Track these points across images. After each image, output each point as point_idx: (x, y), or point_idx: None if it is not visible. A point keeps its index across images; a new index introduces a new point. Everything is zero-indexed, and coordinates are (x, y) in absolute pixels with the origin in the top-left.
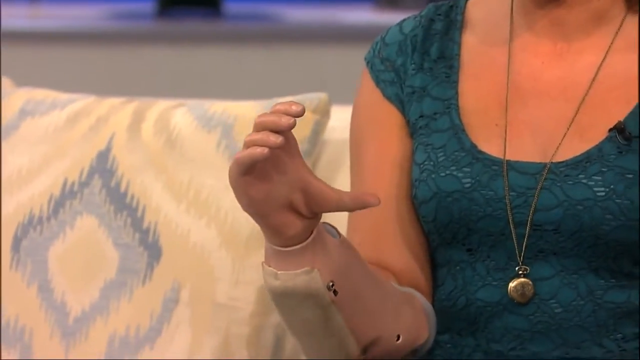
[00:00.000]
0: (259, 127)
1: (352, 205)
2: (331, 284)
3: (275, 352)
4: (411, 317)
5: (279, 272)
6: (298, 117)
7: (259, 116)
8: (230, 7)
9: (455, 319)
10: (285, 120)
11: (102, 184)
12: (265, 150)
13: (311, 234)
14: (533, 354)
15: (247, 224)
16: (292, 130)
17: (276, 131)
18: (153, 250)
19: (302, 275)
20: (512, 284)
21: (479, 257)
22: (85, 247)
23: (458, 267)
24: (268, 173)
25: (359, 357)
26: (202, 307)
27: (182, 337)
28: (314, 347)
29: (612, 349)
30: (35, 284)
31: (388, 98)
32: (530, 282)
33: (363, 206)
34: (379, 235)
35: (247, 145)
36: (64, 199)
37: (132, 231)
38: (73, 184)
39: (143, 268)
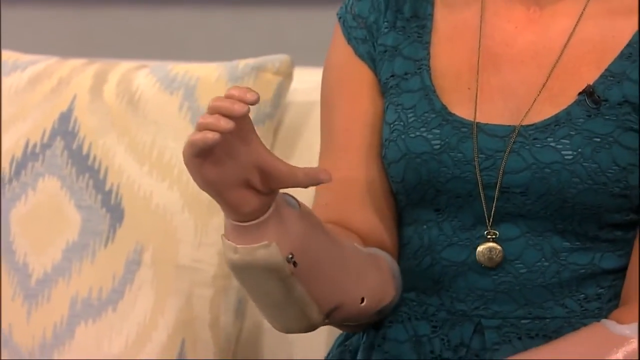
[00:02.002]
0: (213, 111)
1: (305, 181)
2: (290, 256)
3: (238, 313)
4: (376, 279)
5: (238, 246)
6: (252, 104)
7: (213, 99)
8: None
9: (421, 278)
10: (239, 107)
11: (64, 145)
12: (217, 135)
13: (269, 208)
14: (496, 314)
15: None
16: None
17: (229, 116)
18: (115, 212)
19: (261, 249)
20: (480, 248)
21: (446, 217)
22: (47, 209)
23: (425, 227)
24: (220, 156)
25: (322, 323)
26: (164, 269)
27: (145, 299)
28: (276, 315)
29: (574, 308)
30: None
31: (360, 56)
32: (499, 247)
33: (316, 183)
34: (346, 196)
35: (200, 127)
36: (26, 161)
37: (95, 193)
38: (35, 145)
39: (105, 230)
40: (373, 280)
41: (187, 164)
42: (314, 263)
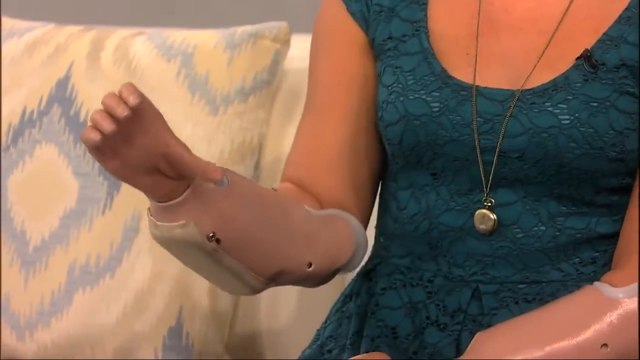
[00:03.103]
0: (103, 107)
1: (203, 175)
2: (211, 234)
3: None
4: (328, 242)
5: (157, 223)
6: (134, 109)
7: (107, 95)
8: None
9: (417, 243)
10: (121, 111)
11: (62, 112)
12: (98, 136)
13: (185, 190)
14: (494, 279)
15: (207, 153)
16: (253, 58)
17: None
18: (113, 180)
19: (178, 229)
20: (476, 215)
21: (443, 182)
22: (44, 176)
23: (422, 191)
24: (119, 147)
25: (267, 286)
26: None
27: (143, 266)
28: (215, 282)
29: (570, 272)
30: None
31: (352, 14)
32: (493, 216)
33: (209, 179)
34: (315, 156)
35: (90, 121)
36: (23, 128)
37: (92, 160)
38: (32, 112)
39: (103, 197)
40: (324, 243)
41: (92, 154)
42: (245, 236)
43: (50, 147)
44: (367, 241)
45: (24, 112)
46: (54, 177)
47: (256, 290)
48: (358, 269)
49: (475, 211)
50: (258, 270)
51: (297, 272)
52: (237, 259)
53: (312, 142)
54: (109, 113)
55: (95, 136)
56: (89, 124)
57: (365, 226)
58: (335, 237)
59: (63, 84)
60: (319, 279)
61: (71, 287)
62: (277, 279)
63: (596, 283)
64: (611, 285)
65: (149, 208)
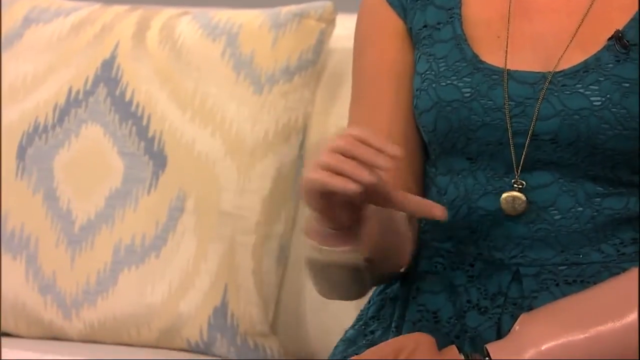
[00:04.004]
0: (349, 153)
1: (416, 210)
2: (369, 256)
3: (279, 261)
4: (411, 244)
5: (322, 247)
6: (395, 158)
7: (352, 136)
8: None
9: (458, 228)
10: (383, 162)
11: (107, 92)
12: (359, 188)
13: (359, 217)
14: (534, 261)
15: (251, 133)
16: (299, 38)
17: (371, 166)
18: (158, 159)
19: (346, 254)
20: (503, 196)
21: (479, 166)
22: (90, 155)
23: (460, 176)
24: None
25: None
26: (207, 215)
27: (188, 245)
28: (335, 295)
29: (611, 253)
30: (40, 193)
31: (390, 3)
32: (523, 196)
33: (427, 216)
34: None
35: (336, 169)
36: (69, 108)
37: (137, 140)
38: (78, 92)
39: (148, 177)
40: (410, 245)
41: (308, 193)
42: (383, 254)
43: (96, 127)
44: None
45: (69, 91)
46: (99, 157)
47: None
48: None
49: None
50: (377, 280)
51: (394, 276)
52: (371, 273)
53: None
54: (365, 161)
55: (355, 187)
56: (329, 169)
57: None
58: (413, 238)
59: (109, 63)
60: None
61: (117, 267)
62: (379, 284)
63: None
64: None
65: (304, 231)
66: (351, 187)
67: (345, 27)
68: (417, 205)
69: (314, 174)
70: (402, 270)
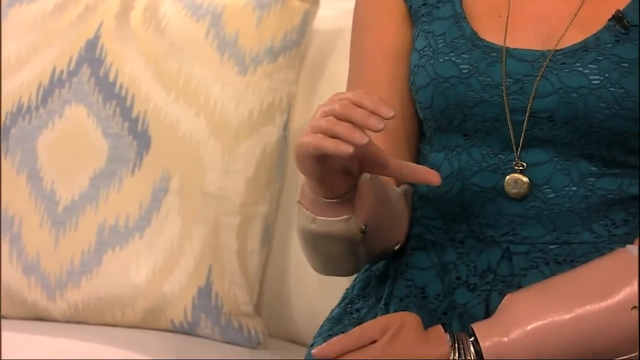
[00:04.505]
0: (342, 115)
1: (411, 176)
2: (364, 227)
3: (264, 241)
4: (407, 220)
5: (317, 217)
6: (388, 119)
7: (346, 99)
8: None
9: (450, 204)
10: (375, 123)
11: (91, 72)
12: (350, 149)
13: (356, 187)
14: (525, 239)
15: (235, 114)
16: (283, 18)
17: (363, 128)
18: (142, 140)
19: (341, 223)
20: (507, 179)
21: (474, 142)
22: (74, 136)
23: (454, 152)
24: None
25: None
26: (191, 196)
27: (172, 226)
28: (329, 268)
29: (602, 234)
30: (24, 173)
31: None
32: (526, 179)
33: (422, 182)
34: None
35: (329, 132)
36: (53, 88)
37: (121, 120)
38: (62, 72)
39: (132, 157)
40: (406, 222)
41: (302, 159)
42: (378, 225)
43: (80, 108)
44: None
45: (53, 71)
46: (83, 138)
47: (356, 273)
48: None
49: (506, 172)
50: (372, 254)
51: (389, 252)
52: (366, 246)
53: None
54: (357, 123)
55: (346, 148)
56: (322, 131)
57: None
58: (408, 214)
59: (92, 44)
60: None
61: (101, 248)
62: (376, 260)
63: (628, 246)
64: None
65: (299, 202)
66: (343, 148)
67: (329, 8)
68: (412, 171)
69: (306, 137)
70: (397, 247)
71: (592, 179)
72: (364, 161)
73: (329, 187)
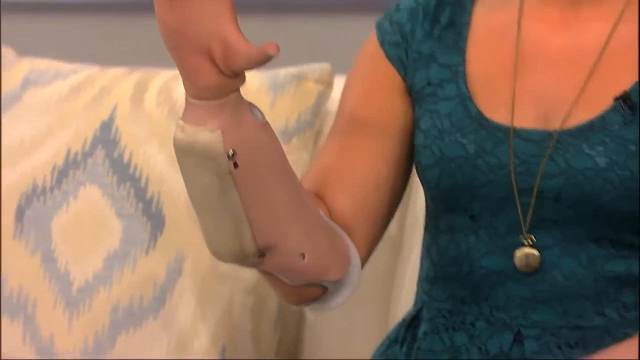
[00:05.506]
0: None
1: (257, 57)
2: (231, 152)
3: (278, 322)
4: (325, 246)
5: (185, 124)
6: None
7: None
8: None
9: (459, 287)
10: None
11: (106, 154)
12: None
13: (228, 95)
14: (536, 323)
15: None
16: (297, 100)
17: None
18: (156, 220)
19: (205, 132)
20: (518, 253)
21: (482, 224)
22: (88, 217)
23: (462, 234)
24: (187, 4)
25: (255, 259)
26: (205, 277)
27: (186, 306)
28: (210, 225)
29: (614, 317)
30: (38, 254)
31: (390, 58)
32: (536, 253)
33: (261, 56)
34: (331, 176)
35: None
36: (68, 169)
37: (136, 201)
38: (76, 154)
39: (146, 238)
40: (321, 245)
41: (155, 1)
42: (258, 179)
43: (94, 189)
44: (358, 278)
45: (68, 153)
46: (97, 219)
47: (245, 255)
48: (403, 316)
49: (514, 252)
50: (256, 228)
51: (289, 257)
52: (242, 199)
53: (334, 162)
54: None
55: None
56: None
57: (364, 261)
58: (331, 247)
59: (107, 125)
60: (304, 278)
61: (115, 329)
62: (268, 254)
63: None
64: None
65: (180, 118)
66: None
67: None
68: (257, 50)
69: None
70: (301, 260)
71: (601, 262)
72: (225, 47)
73: (193, 71)
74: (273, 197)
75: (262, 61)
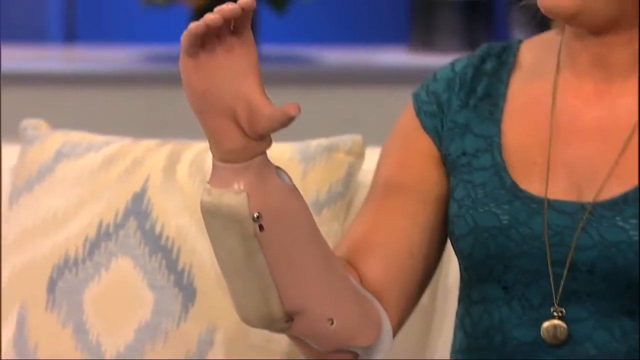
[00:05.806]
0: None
1: (279, 118)
2: (257, 215)
3: None
4: (354, 312)
5: (212, 188)
6: (246, 10)
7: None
8: (266, 49)
9: (491, 358)
10: (230, 8)
11: (137, 225)
12: (218, 16)
13: (253, 158)
14: None
15: None
16: (328, 171)
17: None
18: (188, 292)
19: (230, 194)
20: (544, 325)
21: (514, 295)
22: (120, 288)
23: (494, 305)
24: (214, 67)
25: (283, 324)
26: (237, 349)
27: None
28: (237, 289)
29: None
30: (70, 326)
31: (425, 128)
32: (564, 325)
33: (283, 118)
34: (370, 239)
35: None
36: (99, 241)
37: (167, 273)
38: (108, 225)
39: (178, 309)
40: (351, 310)
41: (181, 66)
42: (284, 243)
43: (126, 260)
44: (390, 345)
45: (100, 225)
46: (129, 290)
47: (273, 320)
48: None
49: (542, 324)
50: (283, 293)
51: (317, 322)
52: (270, 263)
53: (367, 229)
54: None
55: (214, 16)
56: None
57: (395, 329)
58: (363, 314)
59: (139, 197)
60: (334, 344)
61: None
62: (296, 319)
63: None
64: None
65: (207, 182)
66: (210, 16)
67: (374, 161)
68: (279, 112)
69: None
70: (330, 326)
71: (635, 335)
72: (250, 110)
73: (218, 134)
74: (300, 261)
75: (285, 122)
